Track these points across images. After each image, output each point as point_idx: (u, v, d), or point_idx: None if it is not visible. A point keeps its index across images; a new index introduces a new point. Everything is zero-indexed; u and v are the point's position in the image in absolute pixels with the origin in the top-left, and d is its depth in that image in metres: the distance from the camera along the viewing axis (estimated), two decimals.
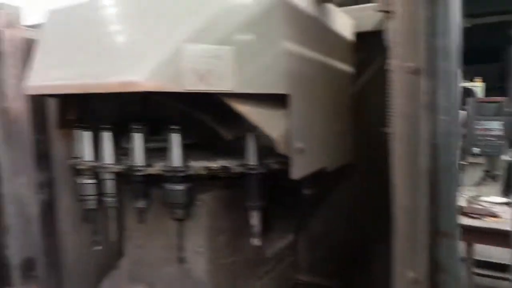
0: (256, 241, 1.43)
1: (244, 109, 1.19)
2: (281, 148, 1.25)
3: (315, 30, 1.48)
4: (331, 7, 1.62)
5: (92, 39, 1.25)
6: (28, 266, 1.91)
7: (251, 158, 1.32)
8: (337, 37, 1.73)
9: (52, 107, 1.82)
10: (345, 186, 2.09)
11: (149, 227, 1.65)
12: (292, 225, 2.22)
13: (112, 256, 2.03)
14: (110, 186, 1.37)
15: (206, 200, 1.48)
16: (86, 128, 1.40)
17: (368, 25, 1.80)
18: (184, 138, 1.30)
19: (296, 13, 1.31)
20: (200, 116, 1.36)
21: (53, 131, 1.85)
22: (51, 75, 1.31)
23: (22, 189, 1.84)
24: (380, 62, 1.31)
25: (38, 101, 1.80)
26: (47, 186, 1.91)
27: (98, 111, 1.62)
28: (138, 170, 1.28)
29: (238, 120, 1.39)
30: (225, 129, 1.38)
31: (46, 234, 1.92)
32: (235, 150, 1.45)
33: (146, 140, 1.47)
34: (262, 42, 1.18)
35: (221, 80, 1.13)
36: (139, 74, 1.09)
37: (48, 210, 1.92)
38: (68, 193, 1.94)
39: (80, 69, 1.23)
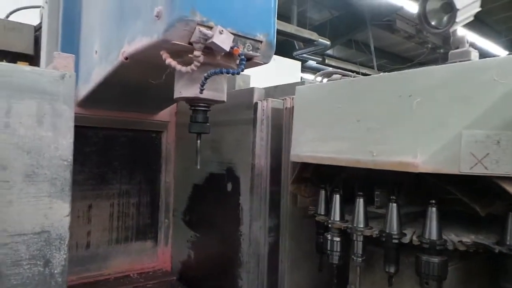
0: None
1: None
2: None
3: None
4: None
5: (359, 117, 1.46)
6: None
7: None
8: None
9: (286, 164, 2.15)
10: None
11: (376, 285, 1.75)
12: None
13: None
14: (359, 247, 1.52)
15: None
16: (337, 191, 1.60)
17: None
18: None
19: None
20: (454, 191, 1.41)
21: (285, 185, 2.17)
22: (317, 147, 1.58)
23: (257, 232, 2.19)
24: None
25: (276, 159, 2.16)
26: (275, 230, 2.22)
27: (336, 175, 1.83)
28: (394, 238, 1.40)
29: (494, 197, 1.39)
30: (479, 205, 1.39)
31: (270, 272, 2.22)
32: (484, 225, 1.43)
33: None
34: None
35: (498, 164, 1.16)
36: (418, 156, 1.22)
37: (274, 251, 2.22)
38: (288, 238, 2.22)
39: (348, 144, 1.44)
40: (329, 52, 12.41)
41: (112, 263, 2.74)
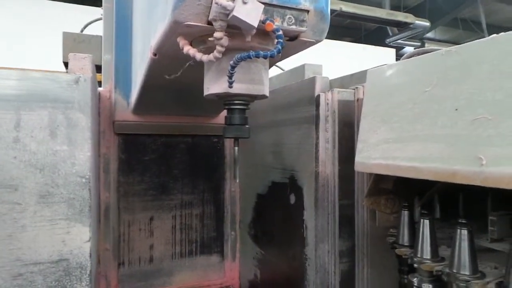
0: None
1: None
2: None
3: None
4: None
5: (459, 102, 0.94)
6: None
7: None
8: None
9: (360, 172, 1.67)
10: None
11: None
12: None
13: None
14: None
15: None
16: (426, 215, 1.09)
17: None
18: None
19: None
20: None
21: (359, 197, 1.69)
22: (392, 150, 1.10)
23: (325, 256, 1.76)
24: None
25: (347, 165, 1.70)
26: (348, 255, 1.76)
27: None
28: None
29: None
30: None
31: None
32: None
33: None
34: None
35: None
36: None
37: (348, 282, 1.76)
38: (367, 265, 1.73)
39: (440, 146, 0.94)
40: (430, 35, 10.99)
41: (177, 279, 2.57)
